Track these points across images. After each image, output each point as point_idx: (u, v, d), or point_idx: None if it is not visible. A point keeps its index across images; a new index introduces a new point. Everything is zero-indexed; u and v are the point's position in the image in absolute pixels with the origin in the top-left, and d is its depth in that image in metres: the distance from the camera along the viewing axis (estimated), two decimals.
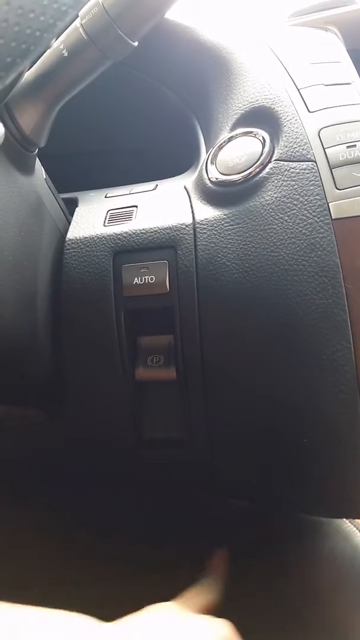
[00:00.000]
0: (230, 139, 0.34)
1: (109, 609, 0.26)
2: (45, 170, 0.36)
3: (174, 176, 0.39)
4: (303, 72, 0.35)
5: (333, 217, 0.30)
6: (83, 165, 0.50)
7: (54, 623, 0.23)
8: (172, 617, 0.28)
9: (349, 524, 0.43)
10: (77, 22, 0.29)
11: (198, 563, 0.35)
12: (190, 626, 0.27)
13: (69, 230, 0.36)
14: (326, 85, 0.34)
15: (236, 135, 0.34)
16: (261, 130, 0.33)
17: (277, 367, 0.31)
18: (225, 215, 0.32)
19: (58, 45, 0.30)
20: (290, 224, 0.30)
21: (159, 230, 0.33)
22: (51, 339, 0.36)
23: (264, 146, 0.33)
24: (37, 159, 0.34)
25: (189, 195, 0.35)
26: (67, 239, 0.35)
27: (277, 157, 0.32)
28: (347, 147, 0.31)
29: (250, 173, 0.32)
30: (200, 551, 0.36)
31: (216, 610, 0.33)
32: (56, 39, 0.30)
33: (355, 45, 0.41)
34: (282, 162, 0.32)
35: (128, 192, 0.38)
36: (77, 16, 0.29)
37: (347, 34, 0.41)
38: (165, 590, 0.30)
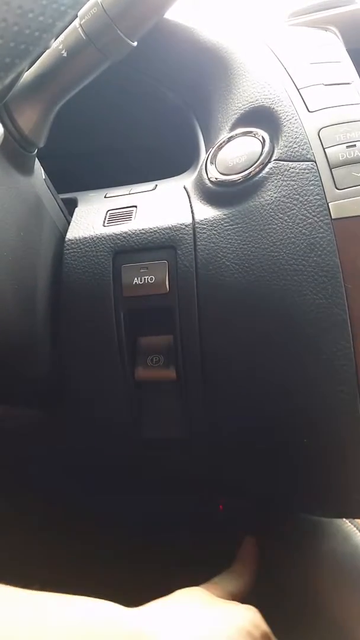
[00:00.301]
0: (229, 139, 0.34)
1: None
2: (44, 170, 0.36)
3: (173, 176, 0.39)
4: (303, 72, 0.35)
5: (333, 217, 0.30)
6: (82, 166, 0.50)
7: (81, 608, 0.23)
8: (198, 601, 0.28)
9: (349, 524, 0.43)
10: (76, 22, 0.29)
11: (198, 563, 0.35)
12: (216, 611, 0.27)
13: (69, 230, 0.36)
14: (326, 85, 0.34)
15: (236, 135, 0.34)
16: (261, 130, 0.33)
17: (277, 366, 0.31)
18: (225, 215, 0.32)
19: (57, 45, 0.29)
20: (290, 223, 0.30)
21: (158, 231, 0.33)
22: (51, 339, 0.36)
23: (263, 146, 0.33)
24: (37, 160, 0.34)
25: (188, 196, 0.35)
26: (66, 239, 0.35)
27: (276, 157, 0.32)
28: (347, 147, 0.31)
29: (249, 173, 0.32)
30: (200, 551, 0.36)
31: (244, 597, 0.34)
32: (55, 39, 0.30)
33: (354, 45, 0.41)
34: (281, 162, 0.32)
35: (127, 192, 0.38)
36: (76, 16, 0.29)
37: (346, 33, 0.41)
38: (166, 590, 0.30)
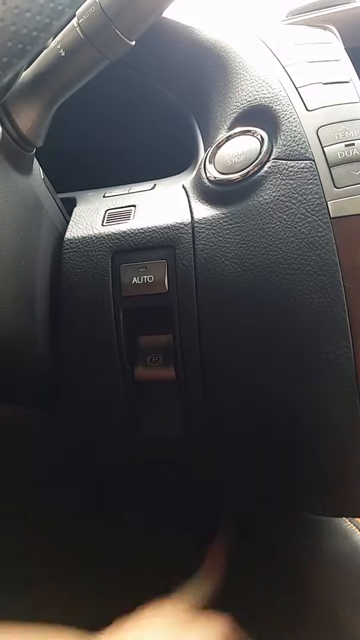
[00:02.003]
0: (228, 138, 0.34)
1: (110, 604, 0.26)
2: (43, 170, 0.36)
3: (172, 175, 0.39)
4: (301, 71, 0.35)
5: (332, 216, 0.30)
6: (81, 165, 0.50)
7: None
8: (168, 622, 0.28)
9: (349, 522, 0.43)
10: (73, 22, 0.29)
11: (198, 564, 0.35)
12: (187, 634, 0.27)
13: (68, 230, 0.36)
14: (324, 83, 0.34)
15: (234, 134, 0.34)
16: (259, 129, 0.33)
17: (276, 366, 0.31)
18: (223, 214, 0.32)
19: (55, 44, 0.29)
20: (289, 222, 0.30)
21: (157, 230, 0.33)
22: (50, 338, 0.36)
23: (262, 145, 0.32)
24: (35, 159, 0.34)
25: (187, 195, 0.35)
26: (65, 238, 0.35)
27: (275, 156, 0.32)
28: (346, 145, 0.31)
29: (248, 172, 0.32)
30: (200, 551, 0.36)
31: (217, 600, 0.33)
32: (53, 39, 0.30)
33: (353, 44, 0.41)
34: (280, 161, 0.32)
35: (126, 192, 0.38)
36: (74, 16, 0.29)
37: (345, 32, 0.41)
38: (165, 590, 0.30)
